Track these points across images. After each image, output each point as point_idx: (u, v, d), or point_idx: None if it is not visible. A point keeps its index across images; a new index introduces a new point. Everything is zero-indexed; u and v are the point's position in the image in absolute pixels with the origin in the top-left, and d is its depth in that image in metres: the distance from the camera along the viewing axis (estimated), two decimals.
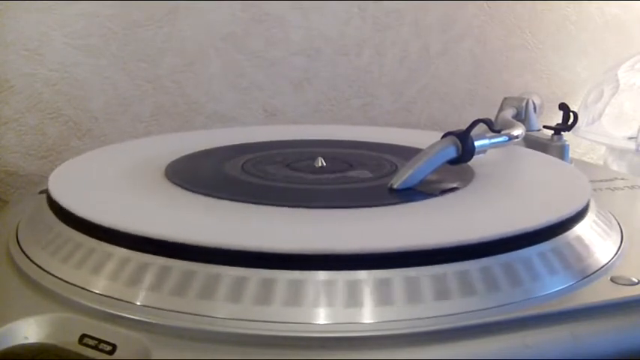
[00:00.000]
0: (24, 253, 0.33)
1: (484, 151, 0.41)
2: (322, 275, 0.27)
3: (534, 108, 0.58)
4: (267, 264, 0.28)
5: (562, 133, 0.54)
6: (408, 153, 0.42)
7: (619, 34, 0.81)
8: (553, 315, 0.28)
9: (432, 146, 0.39)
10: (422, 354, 0.25)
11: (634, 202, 0.45)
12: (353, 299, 0.27)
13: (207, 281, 0.27)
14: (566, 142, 0.53)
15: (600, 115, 0.67)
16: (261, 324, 0.26)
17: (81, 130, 0.62)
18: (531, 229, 0.31)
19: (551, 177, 0.42)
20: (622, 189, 0.47)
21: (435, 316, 0.27)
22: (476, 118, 0.41)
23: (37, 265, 0.32)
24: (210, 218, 0.33)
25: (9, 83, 0.59)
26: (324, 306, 0.27)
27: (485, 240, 0.29)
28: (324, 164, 0.43)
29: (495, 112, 0.57)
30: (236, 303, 0.27)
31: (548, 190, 0.39)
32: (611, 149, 0.68)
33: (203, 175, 0.42)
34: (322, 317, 0.26)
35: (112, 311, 0.27)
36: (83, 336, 0.27)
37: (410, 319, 0.26)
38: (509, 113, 0.56)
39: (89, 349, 0.26)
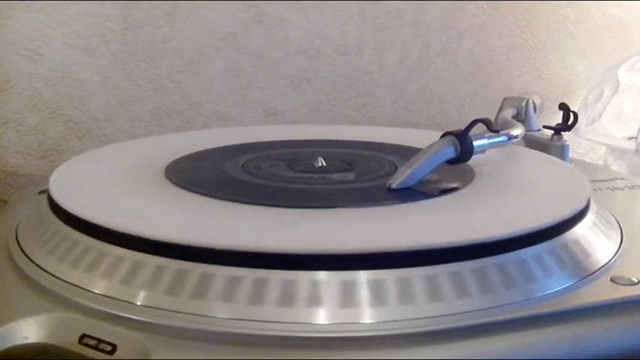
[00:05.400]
0: (24, 253, 0.33)
1: (483, 151, 0.41)
2: (322, 275, 0.27)
3: (534, 108, 0.58)
4: (267, 264, 0.28)
5: (562, 133, 0.54)
6: (408, 153, 0.42)
7: (619, 34, 0.81)
8: (553, 315, 0.28)
9: (430, 146, 0.39)
10: (422, 354, 0.25)
11: (634, 202, 0.45)
12: (352, 299, 0.27)
13: (207, 281, 0.27)
14: (566, 142, 0.53)
15: (600, 115, 0.67)
16: (261, 324, 0.26)
17: (81, 130, 0.62)
18: (531, 229, 0.31)
19: (552, 177, 0.42)
20: (622, 189, 0.47)
21: (434, 317, 0.27)
22: (476, 118, 0.41)
23: (37, 265, 0.32)
24: (210, 218, 0.33)
25: (9, 83, 0.59)
26: (324, 306, 0.27)
27: (484, 240, 0.29)
28: (324, 164, 0.43)
29: (495, 112, 0.57)
30: (236, 303, 0.27)
31: (548, 190, 0.39)
32: (611, 149, 0.68)
33: (203, 175, 0.42)
34: (322, 317, 0.26)
35: (112, 311, 0.27)
36: (83, 336, 0.27)
37: (410, 319, 0.26)
38: (509, 113, 0.56)
39: (89, 349, 0.26)
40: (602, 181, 0.48)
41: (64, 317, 0.28)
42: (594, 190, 0.42)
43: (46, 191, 0.37)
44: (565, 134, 0.54)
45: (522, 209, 0.35)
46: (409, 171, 0.38)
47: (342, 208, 0.35)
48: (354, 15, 0.69)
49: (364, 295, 0.27)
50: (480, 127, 0.42)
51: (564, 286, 0.30)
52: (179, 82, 0.64)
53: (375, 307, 0.27)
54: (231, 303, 0.27)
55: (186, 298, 0.27)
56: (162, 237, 0.29)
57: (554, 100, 0.72)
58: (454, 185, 0.38)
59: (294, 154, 0.46)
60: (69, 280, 0.30)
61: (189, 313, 0.27)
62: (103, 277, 0.29)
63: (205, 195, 0.36)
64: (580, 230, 0.33)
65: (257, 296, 0.27)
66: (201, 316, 0.27)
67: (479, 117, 0.42)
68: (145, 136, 0.63)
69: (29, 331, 0.27)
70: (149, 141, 0.54)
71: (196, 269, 0.28)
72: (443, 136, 0.40)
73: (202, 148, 0.48)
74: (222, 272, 0.28)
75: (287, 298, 0.27)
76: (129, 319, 0.27)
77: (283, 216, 0.33)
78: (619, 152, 0.67)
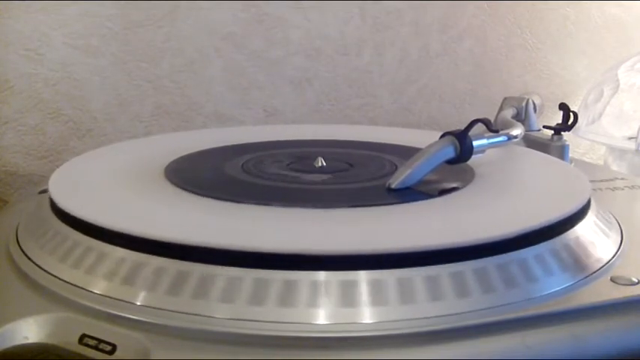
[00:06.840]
0: (24, 253, 0.33)
1: (482, 151, 0.41)
2: (322, 275, 0.27)
3: (534, 108, 0.58)
4: (266, 264, 0.28)
5: (562, 133, 0.54)
6: (408, 153, 0.42)
7: (619, 34, 0.81)
8: (553, 315, 0.28)
9: (430, 146, 0.39)
10: (422, 354, 0.25)
11: (634, 202, 0.45)
12: (352, 299, 0.27)
13: (207, 281, 0.27)
14: (566, 142, 0.53)
15: (600, 115, 0.67)
16: (261, 324, 0.26)
17: (81, 130, 0.62)
18: (531, 229, 0.31)
19: (551, 177, 0.42)
20: (622, 189, 0.47)
21: (434, 317, 0.27)
22: (476, 118, 0.41)
23: (37, 265, 0.32)
24: (209, 218, 0.33)
25: (9, 83, 0.59)
26: (324, 306, 0.27)
27: (484, 240, 0.29)
28: (324, 164, 0.43)
29: (495, 112, 0.57)
30: (236, 303, 0.27)
31: (548, 189, 0.39)
32: (611, 149, 0.68)
33: (203, 175, 0.42)
34: (322, 317, 0.26)
35: (112, 311, 0.27)
36: (83, 336, 0.27)
37: (410, 319, 0.26)
38: (509, 113, 0.56)
39: (89, 349, 0.26)
40: (602, 181, 0.48)
41: (64, 317, 0.28)
42: (594, 190, 0.42)
43: (46, 191, 0.37)
44: (565, 134, 0.54)
45: (522, 209, 0.35)
46: (409, 171, 0.38)
47: (342, 208, 0.35)
48: (354, 15, 0.69)
49: (364, 295, 0.27)
50: (479, 127, 0.41)
51: (564, 286, 0.30)
52: (179, 82, 0.64)
53: (375, 307, 0.27)
54: (231, 303, 0.27)
55: (186, 298, 0.27)
56: (162, 237, 0.29)
57: (554, 100, 0.72)
58: (454, 185, 0.38)
59: (293, 154, 0.46)
60: (69, 280, 0.30)
61: (190, 313, 0.27)
62: (103, 277, 0.29)
63: (205, 195, 0.36)
64: (580, 230, 0.33)
65: (257, 296, 0.27)
66: (201, 316, 0.27)
67: (479, 117, 0.42)
68: (145, 136, 0.63)
69: (29, 331, 0.27)
70: (149, 141, 0.54)
71: (196, 269, 0.28)
72: (442, 136, 0.40)
73: (202, 148, 0.48)
74: (223, 272, 0.28)
75: (287, 298, 0.27)
76: (129, 319, 0.27)
77: (283, 216, 0.33)
78: (619, 152, 0.67)
